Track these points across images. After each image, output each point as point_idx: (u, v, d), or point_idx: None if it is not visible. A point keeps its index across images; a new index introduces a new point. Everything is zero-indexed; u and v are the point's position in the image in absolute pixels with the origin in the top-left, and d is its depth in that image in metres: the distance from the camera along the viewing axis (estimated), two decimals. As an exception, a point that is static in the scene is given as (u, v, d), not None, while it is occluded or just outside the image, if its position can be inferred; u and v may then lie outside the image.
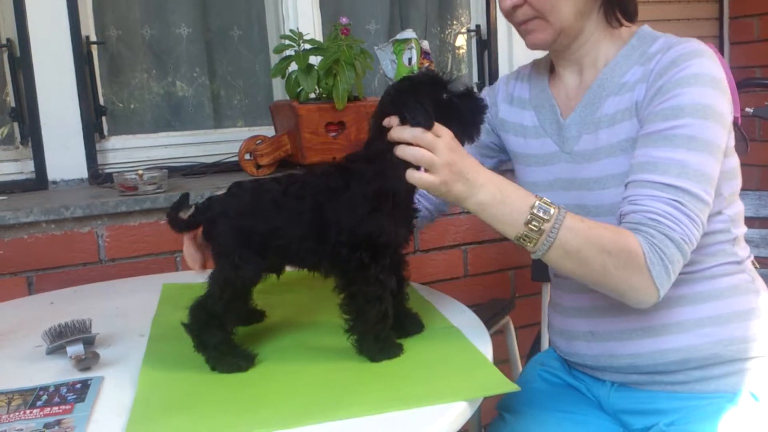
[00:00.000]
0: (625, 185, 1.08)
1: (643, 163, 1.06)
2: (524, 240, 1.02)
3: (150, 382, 1.01)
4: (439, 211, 1.40)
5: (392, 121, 1.02)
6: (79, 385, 1.01)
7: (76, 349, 1.10)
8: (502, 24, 2.24)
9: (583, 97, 1.19)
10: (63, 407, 0.94)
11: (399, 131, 1.00)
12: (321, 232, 1.05)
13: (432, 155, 0.98)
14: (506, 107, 1.33)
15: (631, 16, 1.19)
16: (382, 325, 1.05)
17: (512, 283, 2.12)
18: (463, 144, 1.04)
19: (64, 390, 1.00)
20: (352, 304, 1.06)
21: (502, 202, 1.01)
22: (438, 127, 1.00)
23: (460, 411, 0.89)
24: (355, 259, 1.03)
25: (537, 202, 1.01)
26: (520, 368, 1.81)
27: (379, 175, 1.04)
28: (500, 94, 1.35)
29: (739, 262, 1.18)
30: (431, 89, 1.04)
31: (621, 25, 1.18)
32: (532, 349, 1.85)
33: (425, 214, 1.37)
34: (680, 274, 1.07)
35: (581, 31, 1.16)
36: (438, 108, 1.02)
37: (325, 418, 0.87)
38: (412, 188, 1.06)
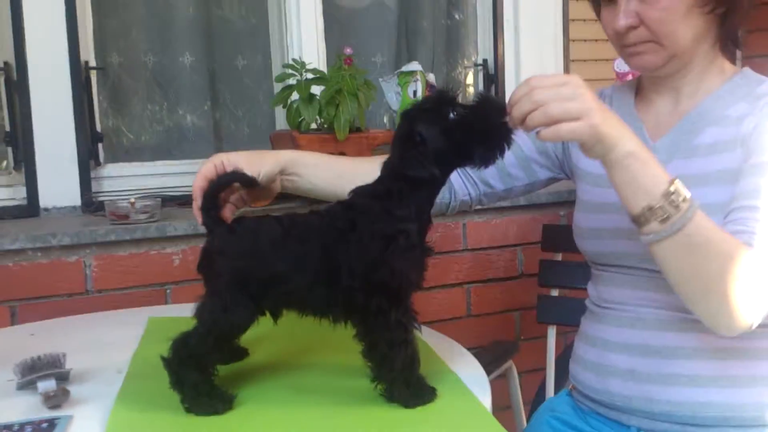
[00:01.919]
0: (729, 212, 1.03)
1: (752, 191, 1.02)
2: (655, 214, 0.95)
3: (119, 423, 0.94)
4: (480, 200, 1.36)
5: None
6: (45, 425, 0.94)
7: (47, 384, 1.03)
8: (509, 58, 2.21)
9: (679, 123, 1.15)
10: (24, 448, 0.87)
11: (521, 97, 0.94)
12: (331, 277, 0.97)
13: (577, 103, 0.92)
14: None
15: (739, 47, 1.18)
16: (410, 370, 0.97)
17: (517, 324, 2.04)
18: (488, 164, 0.98)
19: (29, 429, 0.93)
20: (375, 351, 0.97)
21: (646, 162, 0.96)
22: (563, 75, 0.94)
23: (452, 466, 0.82)
24: (372, 305, 0.95)
25: (675, 178, 0.95)
26: (523, 415, 1.73)
27: (386, 214, 0.97)
28: None
29: None
30: (436, 113, 0.97)
31: (732, 55, 1.16)
32: (536, 396, 1.77)
33: (466, 200, 1.34)
34: None
35: (691, 59, 1.13)
36: (448, 132, 0.96)
37: (303, 470, 0.80)
38: (423, 225, 1.00)
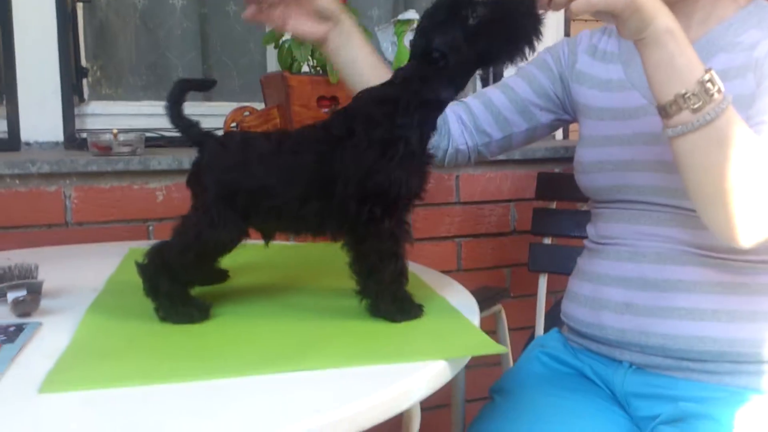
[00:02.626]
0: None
1: (763, 110, 0.98)
2: (688, 102, 0.90)
3: (90, 327, 0.90)
4: (478, 151, 1.30)
5: None
6: (12, 328, 0.90)
7: (18, 293, 0.99)
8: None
9: None
10: (-13, 347, 0.83)
11: None
12: (325, 188, 0.92)
13: None
14: (587, 59, 1.24)
15: None
16: (398, 284, 0.93)
17: (507, 280, 2.00)
18: (515, 62, 0.92)
19: (-5, 333, 0.89)
20: (364, 263, 0.93)
21: (684, 43, 0.92)
22: None
23: (438, 370, 0.78)
24: (365, 213, 0.90)
25: (711, 68, 0.91)
26: (512, 364, 1.70)
27: (387, 121, 0.92)
28: (582, 45, 1.27)
29: None
30: (453, 20, 0.90)
31: None
32: (525, 346, 1.73)
33: (463, 149, 1.29)
34: (744, 261, 1.00)
35: None
36: (470, 40, 0.89)
37: (281, 369, 0.75)
38: (425, 134, 0.94)
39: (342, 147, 0.92)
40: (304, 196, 0.93)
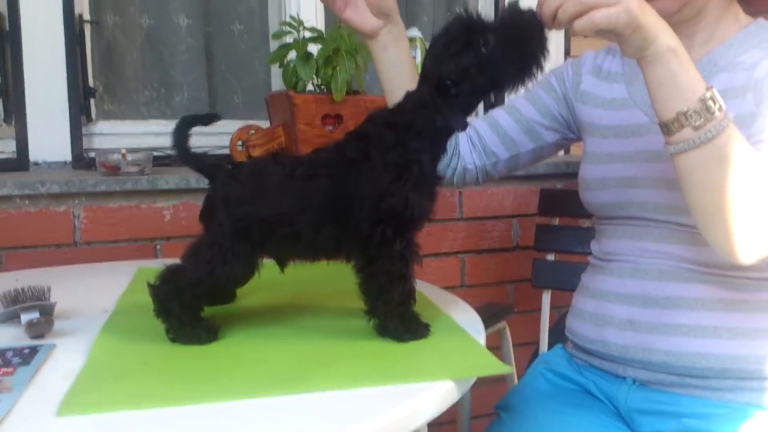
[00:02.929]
0: None
1: (763, 128, 1.00)
2: (690, 119, 0.91)
3: (104, 349, 0.92)
4: (486, 171, 1.33)
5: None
6: (27, 350, 0.92)
7: (31, 315, 1.01)
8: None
9: None
10: (4, 369, 0.84)
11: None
12: (340, 212, 0.93)
13: None
14: (591, 79, 1.27)
15: None
16: (406, 305, 0.95)
17: (511, 296, 2.02)
18: (526, 82, 0.94)
19: (10, 354, 0.90)
20: (373, 283, 0.94)
21: (686, 61, 0.93)
22: None
23: (446, 391, 0.79)
24: (377, 234, 0.92)
25: (712, 86, 0.92)
26: (516, 380, 1.71)
27: (400, 145, 0.94)
28: (586, 65, 1.29)
29: None
30: (465, 49, 0.91)
31: (749, 4, 1.14)
32: (530, 362, 1.74)
33: (471, 169, 1.31)
34: (745, 278, 1.01)
35: (706, 4, 1.11)
36: (481, 68, 0.91)
37: (290, 390, 0.77)
38: (436, 156, 0.97)
39: (357, 170, 0.93)
40: (320, 222, 0.94)
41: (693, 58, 1.12)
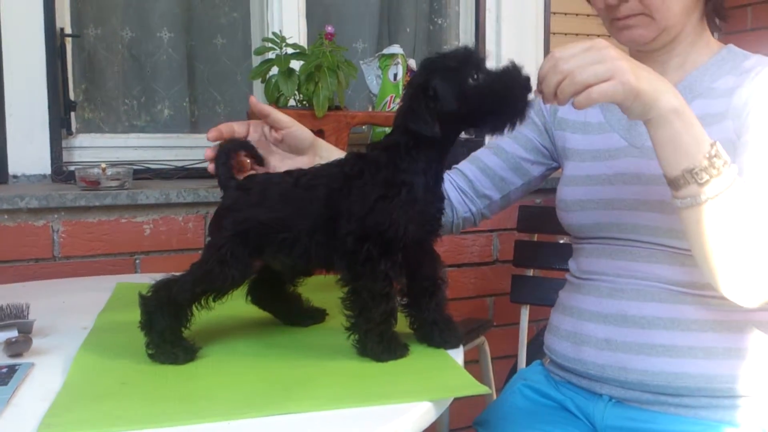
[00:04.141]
0: None
1: (744, 169, 1.01)
2: (696, 176, 0.93)
3: (82, 368, 0.91)
4: (481, 214, 1.35)
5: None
6: (5, 370, 0.91)
7: (9, 333, 1.00)
8: (491, 45, 2.21)
9: None
10: (-18, 390, 0.84)
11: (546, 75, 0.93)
12: (330, 222, 0.96)
13: (605, 64, 0.90)
14: (567, 106, 1.27)
15: (725, 20, 1.17)
16: (387, 324, 0.95)
17: (490, 310, 2.04)
18: (497, 133, 0.96)
19: (-12, 374, 0.90)
20: (356, 300, 0.96)
21: (690, 120, 0.94)
22: (586, 41, 0.93)
23: (424, 411, 0.80)
24: (362, 252, 0.93)
25: (716, 141, 0.94)
26: (494, 395, 1.72)
27: (391, 164, 0.96)
28: None
29: None
30: (458, 72, 0.94)
31: (718, 27, 1.17)
32: (508, 377, 1.76)
33: (468, 217, 1.33)
34: (720, 299, 1.02)
35: (680, 31, 1.13)
36: (464, 96, 0.93)
37: (269, 412, 0.78)
38: (430, 183, 0.97)
39: (350, 185, 0.96)
40: (313, 229, 0.97)
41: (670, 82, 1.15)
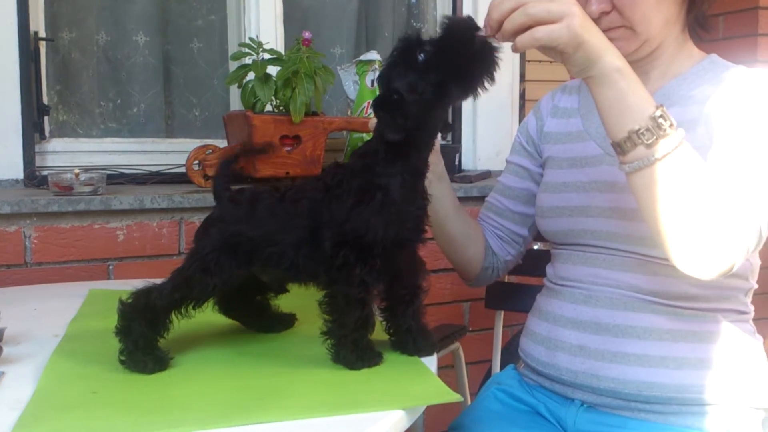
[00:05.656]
0: None
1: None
2: (642, 137, 0.92)
3: (53, 377, 0.91)
4: (520, 252, 1.40)
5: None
6: (-27, 380, 0.91)
7: (-22, 342, 0.99)
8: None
9: None
10: (-51, 400, 0.83)
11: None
12: (315, 234, 0.96)
13: (561, 5, 0.89)
14: (552, 120, 1.31)
15: (708, 31, 1.19)
16: (362, 332, 0.96)
17: (466, 315, 2.05)
18: (474, 93, 0.94)
19: (-44, 384, 0.89)
20: (333, 305, 0.96)
21: (634, 81, 0.93)
22: None
23: (396, 420, 0.81)
24: (339, 258, 0.94)
25: (661, 104, 0.93)
26: (469, 400, 1.73)
27: (367, 169, 0.96)
28: (545, 109, 1.34)
29: (746, 313, 1.16)
30: (405, 61, 0.94)
31: (700, 38, 1.18)
32: (483, 382, 1.77)
33: (510, 259, 1.38)
34: (692, 309, 1.04)
35: (662, 42, 1.14)
36: (422, 75, 0.92)
37: (243, 421, 0.78)
38: (407, 179, 0.97)
39: (330, 195, 0.97)
40: (299, 243, 0.97)
41: (649, 91, 1.16)
